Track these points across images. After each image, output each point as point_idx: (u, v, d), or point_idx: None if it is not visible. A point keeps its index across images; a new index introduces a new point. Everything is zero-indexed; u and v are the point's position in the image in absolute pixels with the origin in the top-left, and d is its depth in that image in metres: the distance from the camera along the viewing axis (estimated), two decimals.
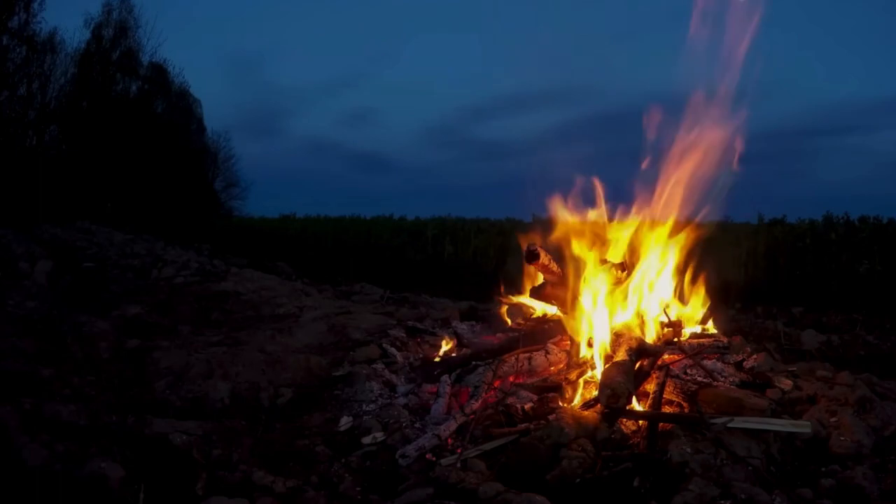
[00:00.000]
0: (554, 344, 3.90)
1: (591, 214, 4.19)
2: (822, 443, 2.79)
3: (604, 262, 4.09)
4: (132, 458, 2.66)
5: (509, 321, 4.68)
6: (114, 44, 23.17)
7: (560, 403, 3.14)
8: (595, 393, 3.14)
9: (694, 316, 4.41)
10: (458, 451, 2.75)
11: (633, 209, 4.25)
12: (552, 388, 3.32)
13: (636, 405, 3.03)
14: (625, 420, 2.89)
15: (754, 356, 3.73)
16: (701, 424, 2.69)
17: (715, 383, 3.27)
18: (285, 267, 11.28)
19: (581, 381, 3.40)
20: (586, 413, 2.89)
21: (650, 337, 3.85)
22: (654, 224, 4.22)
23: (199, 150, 29.18)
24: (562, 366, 3.70)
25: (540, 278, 4.40)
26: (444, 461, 2.68)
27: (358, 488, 2.57)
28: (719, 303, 4.58)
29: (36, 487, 2.42)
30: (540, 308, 4.64)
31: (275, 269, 10.81)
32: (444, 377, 3.64)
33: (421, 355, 4.32)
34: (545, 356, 3.74)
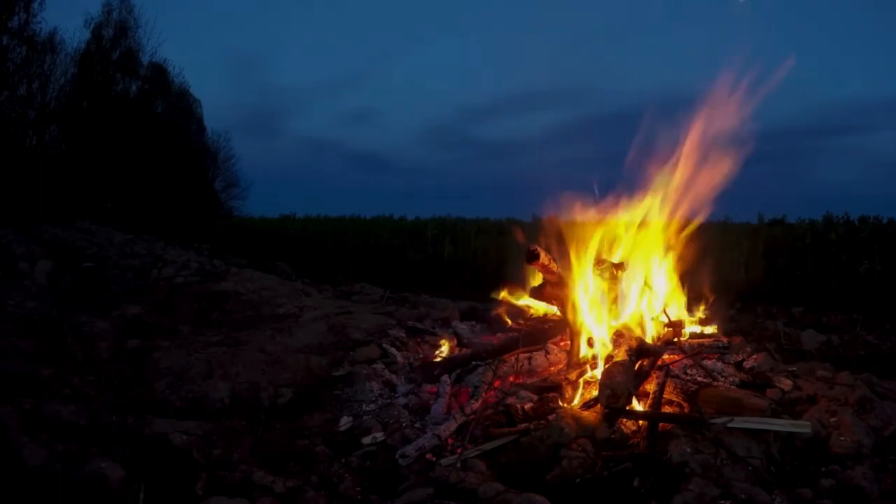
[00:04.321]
0: (554, 344, 3.90)
1: (591, 215, 4.19)
2: (822, 443, 2.79)
3: (604, 262, 4.09)
4: (132, 458, 2.66)
5: (509, 321, 4.69)
6: (114, 44, 23.16)
7: (560, 403, 3.14)
8: (595, 393, 3.14)
9: (694, 316, 4.41)
10: (458, 451, 2.75)
11: (633, 209, 4.25)
12: (552, 388, 3.32)
13: (636, 405, 3.03)
14: (625, 420, 2.89)
15: (754, 356, 3.73)
16: (701, 424, 2.69)
17: (715, 383, 3.27)
18: (285, 267, 11.28)
19: (581, 381, 3.40)
20: (586, 413, 2.89)
21: (650, 337, 3.85)
22: (653, 224, 4.22)
23: (199, 150, 29.15)
24: (562, 366, 3.70)
25: (540, 278, 4.40)
26: (444, 461, 2.68)
27: (358, 488, 2.57)
28: (719, 303, 4.58)
29: (36, 487, 2.42)
30: (540, 308, 4.64)
31: (275, 269, 10.80)
32: (444, 377, 3.64)
33: (421, 355, 4.32)
34: (545, 356, 3.74)
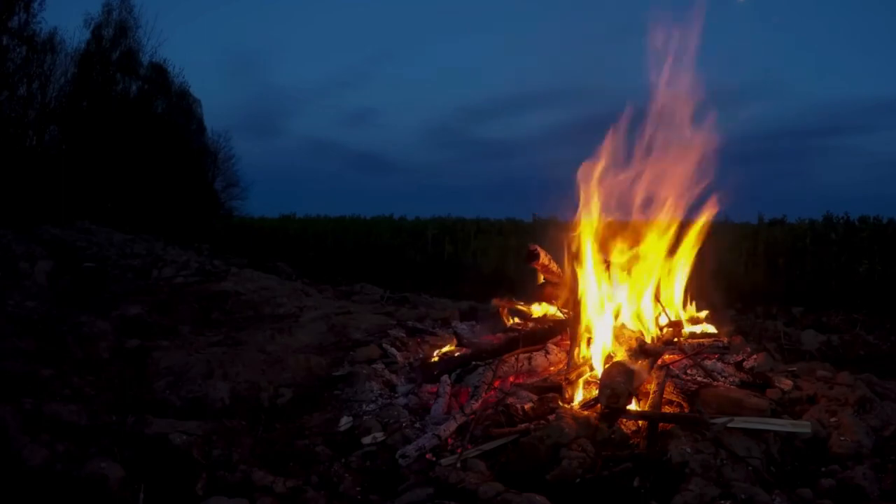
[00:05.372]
0: (554, 344, 3.89)
1: (591, 215, 4.18)
2: (822, 443, 2.79)
3: (604, 262, 4.09)
4: (132, 458, 2.66)
5: (509, 321, 4.68)
6: (114, 44, 23.22)
7: (560, 403, 3.14)
8: (595, 393, 3.15)
9: (694, 316, 4.41)
10: (458, 451, 2.74)
11: (633, 209, 4.25)
12: (552, 388, 3.32)
13: (636, 405, 3.03)
14: (625, 420, 2.89)
15: (754, 356, 3.73)
16: (701, 424, 2.69)
17: (715, 383, 3.27)
18: (285, 267, 11.29)
19: (581, 381, 3.40)
20: (586, 413, 2.89)
21: (650, 337, 3.85)
22: (654, 224, 4.22)
23: (199, 150, 29.16)
24: (562, 366, 3.70)
25: (541, 278, 4.40)
26: (444, 461, 2.68)
27: (358, 488, 2.57)
28: (719, 303, 4.58)
29: (36, 487, 2.42)
30: (540, 308, 4.64)
31: (275, 269, 10.81)
32: (444, 377, 3.64)
33: (421, 355, 4.32)
34: (545, 356, 3.74)
